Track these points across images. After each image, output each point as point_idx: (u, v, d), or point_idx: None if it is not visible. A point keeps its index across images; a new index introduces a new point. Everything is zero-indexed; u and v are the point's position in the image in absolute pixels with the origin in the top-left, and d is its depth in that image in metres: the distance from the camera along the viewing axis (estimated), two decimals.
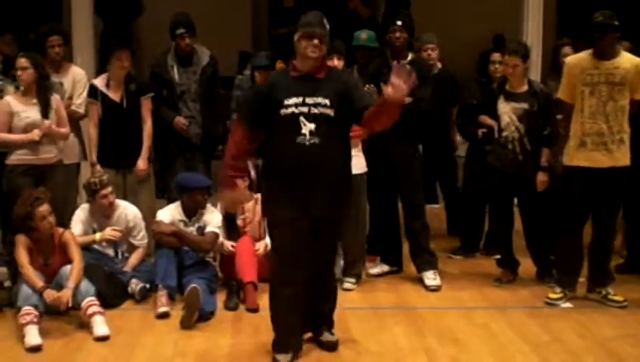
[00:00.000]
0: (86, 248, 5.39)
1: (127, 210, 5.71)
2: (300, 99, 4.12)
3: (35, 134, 5.55)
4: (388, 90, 3.90)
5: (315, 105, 4.12)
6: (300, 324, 4.38)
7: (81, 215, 5.62)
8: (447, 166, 7.08)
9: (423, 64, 5.87)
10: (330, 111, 4.13)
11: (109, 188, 5.58)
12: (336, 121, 4.15)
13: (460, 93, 6.70)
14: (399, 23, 5.65)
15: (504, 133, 5.62)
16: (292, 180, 4.14)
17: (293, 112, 4.11)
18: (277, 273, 4.31)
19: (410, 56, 5.72)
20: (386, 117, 4.07)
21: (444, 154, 6.97)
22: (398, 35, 5.65)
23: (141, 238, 5.74)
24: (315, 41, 4.12)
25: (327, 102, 4.12)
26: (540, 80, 7.21)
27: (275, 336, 4.34)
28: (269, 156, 4.29)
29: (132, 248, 5.72)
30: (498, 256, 6.00)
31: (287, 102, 4.13)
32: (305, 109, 4.11)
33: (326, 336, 4.57)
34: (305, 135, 4.09)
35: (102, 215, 5.63)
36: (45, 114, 5.60)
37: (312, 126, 4.09)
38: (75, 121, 6.11)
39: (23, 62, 5.57)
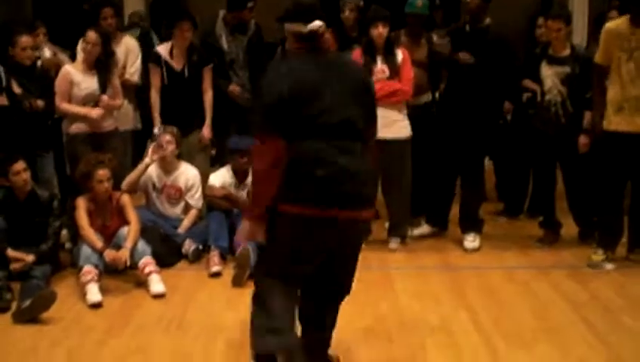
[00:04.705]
0: (146, 209, 5.70)
1: (188, 170, 5.91)
2: None
3: (96, 113, 5.72)
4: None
5: None
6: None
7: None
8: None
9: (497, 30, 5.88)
10: None
11: (167, 137, 5.75)
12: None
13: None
14: None
15: (547, 97, 5.67)
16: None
17: None
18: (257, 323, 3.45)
19: (487, 21, 5.83)
20: None
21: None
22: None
23: (197, 199, 5.90)
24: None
25: None
26: (585, 44, 7.20)
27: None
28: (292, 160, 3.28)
29: (186, 209, 5.91)
30: (541, 218, 6.09)
31: None
32: None
33: None
34: None
35: (163, 169, 5.85)
36: (104, 89, 5.78)
37: None
38: (128, 88, 6.29)
39: (93, 37, 5.69)
